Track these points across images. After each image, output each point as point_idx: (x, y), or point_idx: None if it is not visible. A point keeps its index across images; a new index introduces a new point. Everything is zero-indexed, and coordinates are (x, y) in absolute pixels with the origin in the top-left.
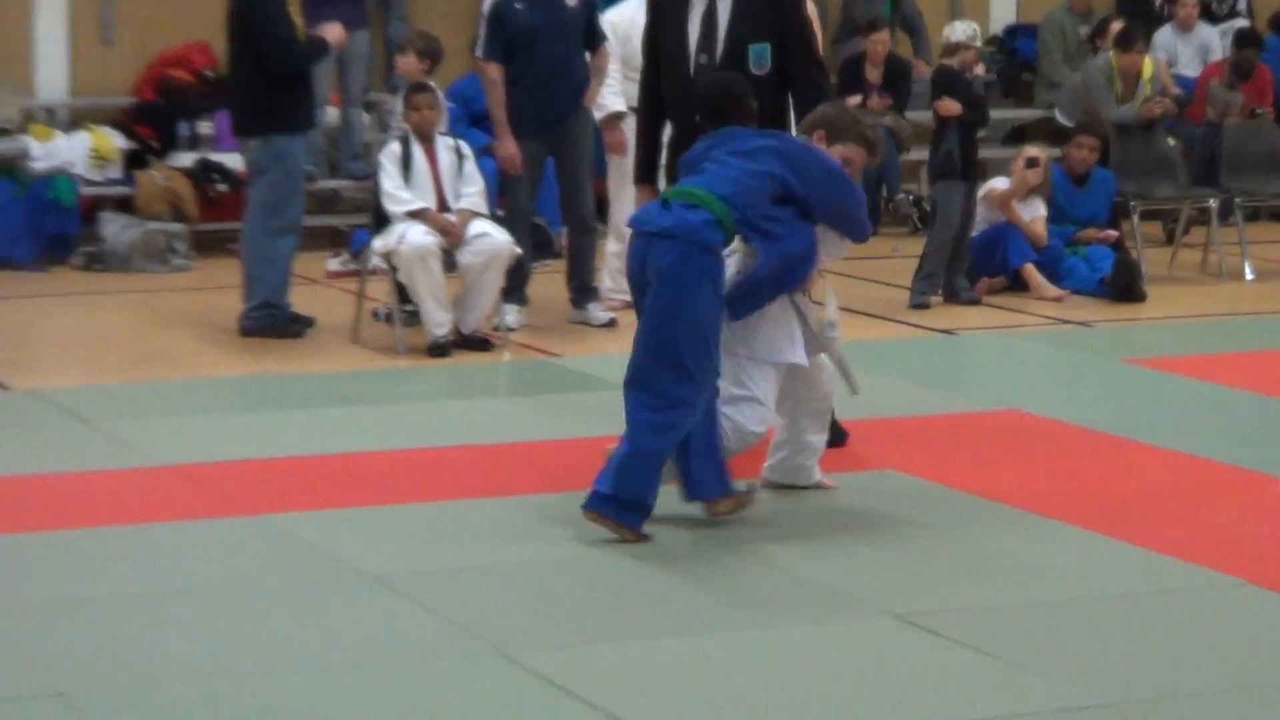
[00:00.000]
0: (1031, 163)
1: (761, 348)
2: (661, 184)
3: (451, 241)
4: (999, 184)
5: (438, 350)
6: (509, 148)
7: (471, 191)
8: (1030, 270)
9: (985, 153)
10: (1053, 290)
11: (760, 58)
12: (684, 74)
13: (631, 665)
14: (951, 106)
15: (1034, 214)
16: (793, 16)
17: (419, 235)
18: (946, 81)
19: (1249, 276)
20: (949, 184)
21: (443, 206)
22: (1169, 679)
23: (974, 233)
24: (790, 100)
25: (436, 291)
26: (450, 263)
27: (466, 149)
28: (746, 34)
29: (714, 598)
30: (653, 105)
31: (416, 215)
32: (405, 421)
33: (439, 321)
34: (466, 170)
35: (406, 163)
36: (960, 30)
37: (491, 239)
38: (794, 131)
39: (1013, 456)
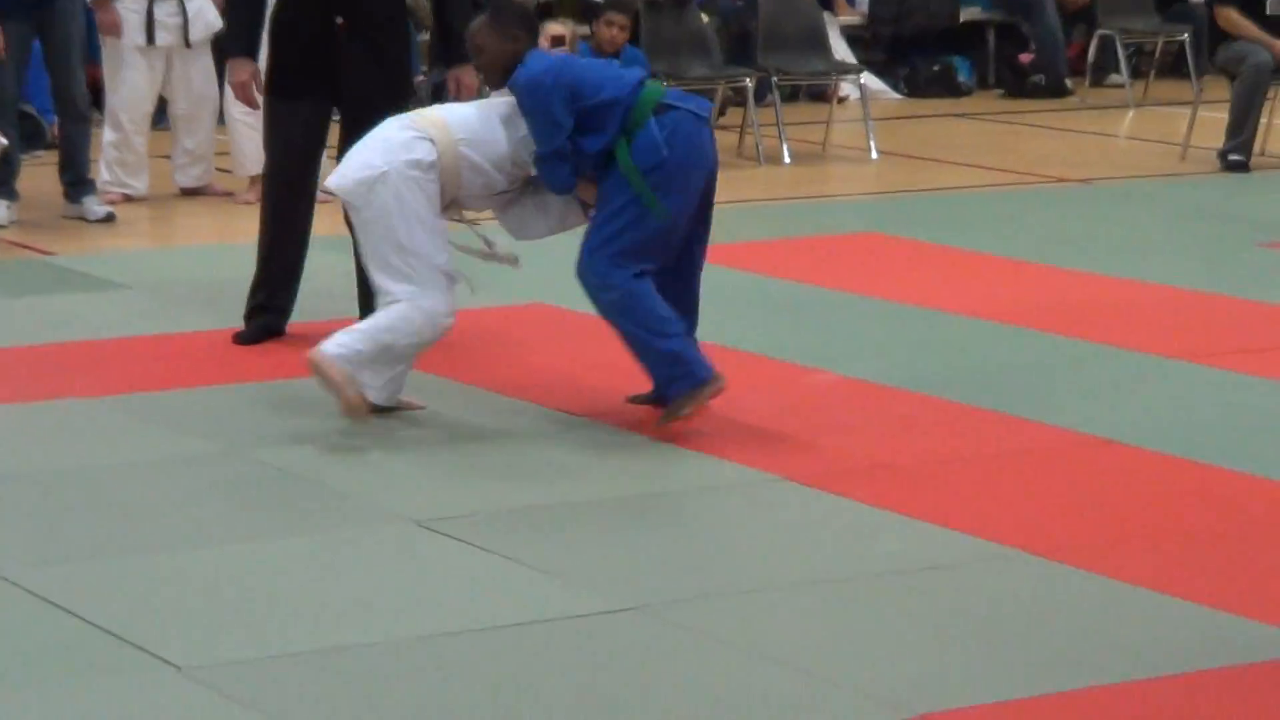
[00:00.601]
0: (557, 41)
1: None
2: (263, 60)
3: None
4: None
5: None
6: None
7: None
8: None
9: None
10: None
11: None
12: None
13: (133, 580)
14: None
15: None
16: None
17: None
18: None
19: (787, 160)
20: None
21: None
22: (697, 580)
23: None
24: None
25: None
26: None
27: None
28: None
29: (220, 508)
30: None
31: None
32: None
33: None
34: None
35: None
36: None
37: None
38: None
39: (535, 352)
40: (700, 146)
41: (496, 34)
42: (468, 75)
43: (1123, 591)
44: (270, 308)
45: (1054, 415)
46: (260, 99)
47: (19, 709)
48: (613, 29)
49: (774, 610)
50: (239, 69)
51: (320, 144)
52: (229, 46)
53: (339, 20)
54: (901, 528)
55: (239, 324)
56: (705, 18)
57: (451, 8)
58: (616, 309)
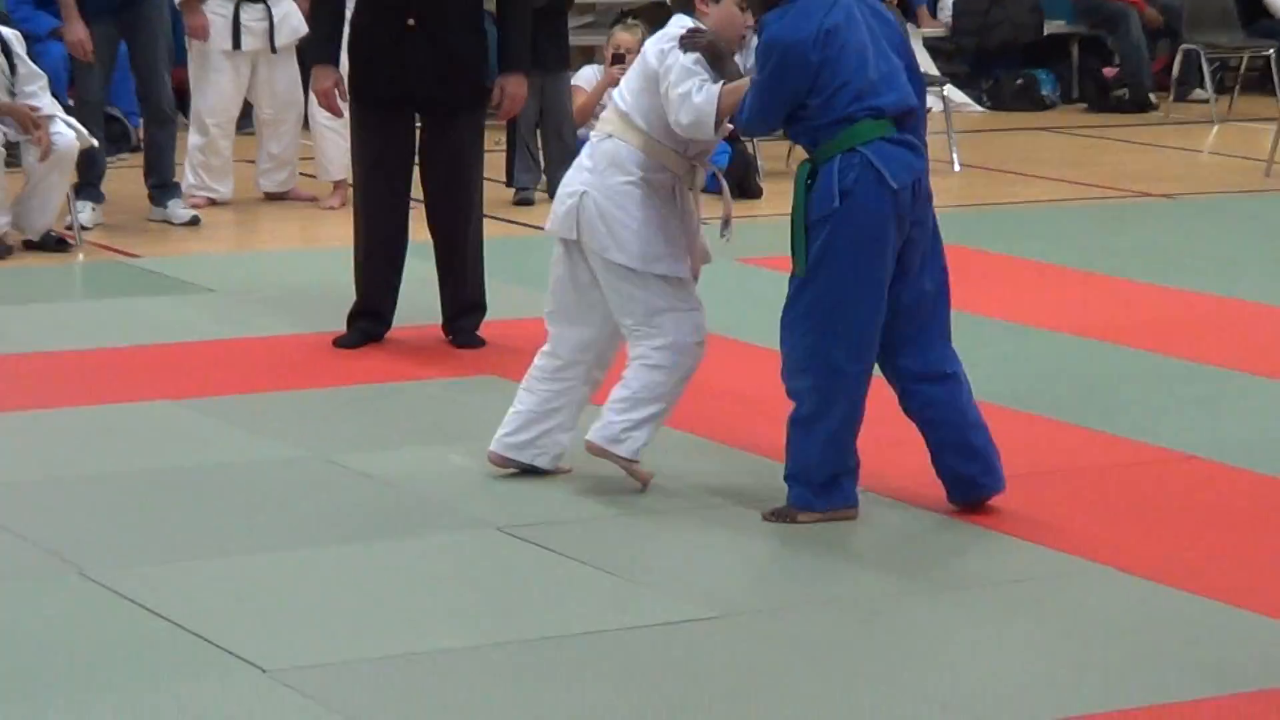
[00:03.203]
0: (617, 59)
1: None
2: (344, 63)
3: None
4: (586, 75)
5: None
6: (78, 31)
7: (33, 89)
8: None
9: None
10: None
11: None
12: None
13: (218, 582)
14: None
15: None
16: None
17: None
18: None
19: None
20: None
21: None
22: (781, 590)
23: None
24: None
25: None
26: (13, 159)
27: (16, 44)
28: None
29: (304, 513)
30: None
31: None
32: None
33: None
34: (21, 71)
35: None
36: None
37: (59, 133)
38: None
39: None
40: None
41: None
42: (513, 84)
43: (1209, 608)
44: (368, 314)
45: (1138, 431)
46: (344, 106)
47: (104, 710)
48: None
49: (849, 622)
50: (322, 76)
51: (409, 149)
52: (312, 53)
53: (410, 22)
54: (988, 542)
55: (323, 328)
56: None
57: (509, 9)
58: None
